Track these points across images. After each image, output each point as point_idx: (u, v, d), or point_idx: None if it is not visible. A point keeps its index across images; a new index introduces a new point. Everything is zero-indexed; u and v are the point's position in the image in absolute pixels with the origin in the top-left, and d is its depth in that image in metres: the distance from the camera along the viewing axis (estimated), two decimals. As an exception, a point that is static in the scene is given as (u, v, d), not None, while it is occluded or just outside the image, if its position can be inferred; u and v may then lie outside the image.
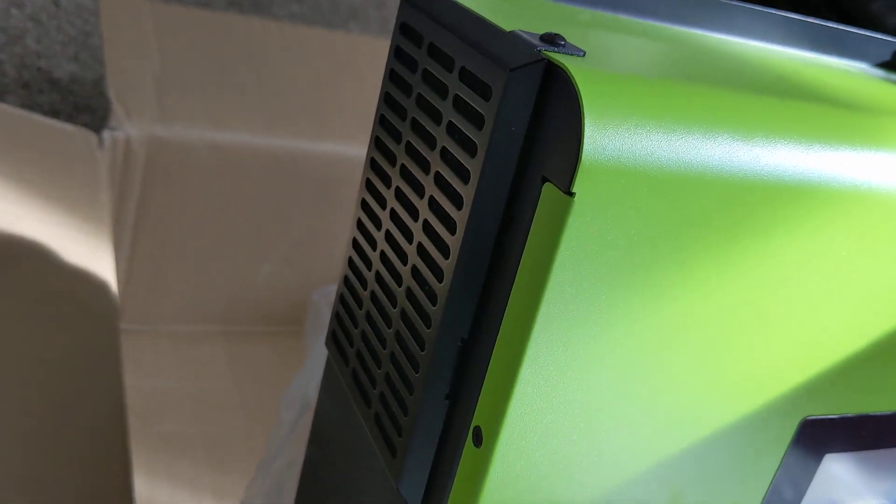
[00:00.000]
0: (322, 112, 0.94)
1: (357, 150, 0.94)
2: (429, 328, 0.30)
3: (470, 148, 0.28)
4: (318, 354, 0.50)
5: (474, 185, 0.27)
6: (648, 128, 0.25)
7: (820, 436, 0.34)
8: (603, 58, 0.27)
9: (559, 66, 0.25)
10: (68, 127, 0.83)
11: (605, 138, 0.24)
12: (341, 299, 0.38)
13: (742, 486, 0.34)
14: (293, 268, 0.97)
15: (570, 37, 0.27)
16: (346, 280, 0.38)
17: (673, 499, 0.32)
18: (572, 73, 0.25)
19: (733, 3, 0.39)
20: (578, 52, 0.26)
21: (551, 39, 0.27)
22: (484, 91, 0.27)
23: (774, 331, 0.30)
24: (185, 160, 0.87)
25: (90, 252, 0.75)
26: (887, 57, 0.44)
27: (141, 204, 0.88)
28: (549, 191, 0.26)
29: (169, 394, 0.91)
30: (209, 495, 0.84)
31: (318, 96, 0.95)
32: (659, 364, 0.29)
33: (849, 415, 0.34)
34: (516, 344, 0.27)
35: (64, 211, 0.76)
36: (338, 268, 0.99)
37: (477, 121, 0.27)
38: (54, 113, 1.01)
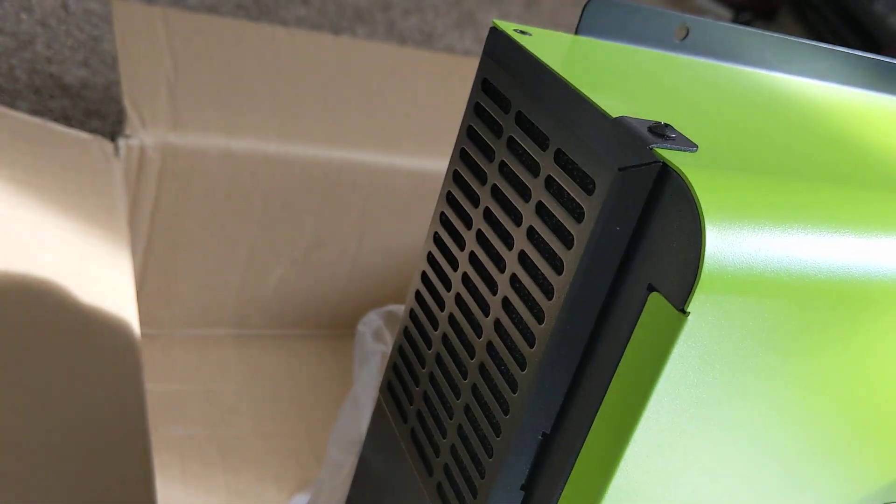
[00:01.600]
0: (331, 117, 0.92)
1: (367, 155, 0.92)
2: (507, 415, 0.28)
3: (566, 238, 0.26)
4: (365, 386, 0.48)
5: (570, 278, 0.25)
6: (768, 232, 0.23)
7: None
8: (715, 150, 0.25)
9: (674, 170, 0.23)
10: (84, 135, 0.81)
11: (724, 251, 0.22)
12: (400, 351, 0.36)
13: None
14: (304, 272, 0.95)
15: (674, 117, 0.25)
16: (405, 332, 0.36)
17: None
18: (689, 179, 0.23)
19: (804, 41, 0.37)
20: (691, 148, 0.24)
21: (661, 132, 0.24)
22: (585, 183, 0.25)
23: (869, 426, 0.28)
24: (198, 167, 0.85)
25: (109, 260, 0.73)
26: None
27: (155, 210, 0.86)
28: (657, 301, 0.24)
29: (182, 397, 0.89)
30: (223, 497, 0.83)
31: (328, 102, 0.93)
32: (751, 475, 0.27)
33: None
34: (611, 450, 0.25)
35: (82, 219, 0.74)
36: (349, 273, 0.97)
37: (577, 213, 0.25)
38: (65, 118, 0.98)
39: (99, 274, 0.71)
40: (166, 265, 0.90)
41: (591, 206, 0.24)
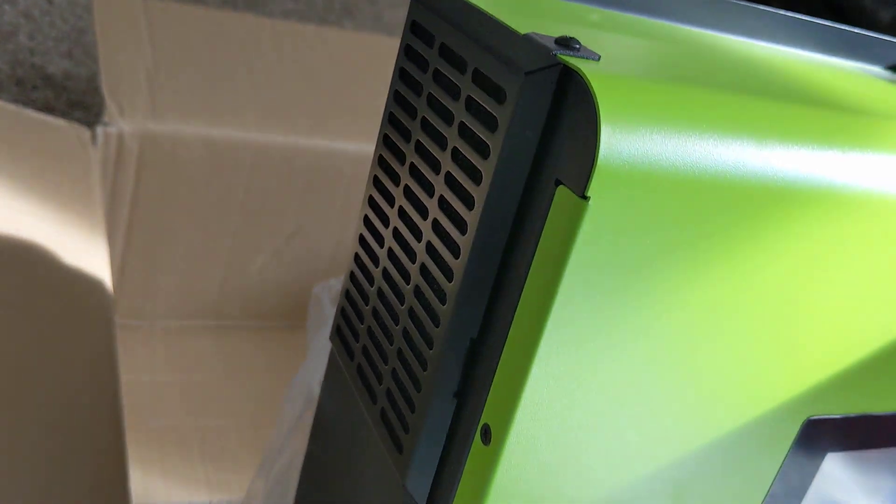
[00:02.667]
0: (314, 107, 0.94)
1: (349, 145, 0.94)
2: (437, 327, 0.30)
3: (482, 150, 0.28)
4: (320, 349, 0.50)
5: (486, 188, 0.27)
6: (663, 131, 0.25)
7: (822, 435, 0.34)
8: (617, 61, 0.27)
9: (575, 71, 0.25)
10: (61, 122, 0.83)
11: (620, 142, 0.24)
12: (347, 295, 0.38)
13: (744, 484, 0.34)
14: (285, 262, 0.97)
15: (584, 39, 0.27)
16: (351, 276, 0.38)
17: (676, 496, 0.33)
18: (588, 78, 0.25)
19: (742, 3, 0.39)
20: (594, 56, 0.26)
21: (566, 43, 0.27)
22: (498, 94, 0.27)
23: (781, 332, 0.30)
24: (177, 155, 0.87)
25: (84, 247, 0.75)
26: None
27: (134, 199, 0.88)
28: (562, 194, 0.26)
29: (161, 388, 0.91)
30: (203, 488, 0.85)
31: (311, 92, 0.95)
32: (667, 365, 0.29)
33: (851, 415, 0.34)
34: (527, 344, 0.27)
35: (57, 206, 0.76)
36: (330, 263, 0.99)
37: (490, 124, 0.27)
38: (48, 109, 1.00)
39: (74, 260, 0.73)
40: (147, 256, 0.91)
41: (502, 113, 0.27)
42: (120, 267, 0.91)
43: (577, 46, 0.27)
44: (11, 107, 0.82)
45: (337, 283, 0.52)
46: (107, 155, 0.84)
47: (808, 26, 0.41)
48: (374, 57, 1.01)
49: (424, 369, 0.31)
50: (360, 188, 0.96)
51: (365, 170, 0.95)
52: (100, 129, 0.83)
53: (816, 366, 0.32)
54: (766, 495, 0.35)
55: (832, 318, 0.31)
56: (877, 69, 0.44)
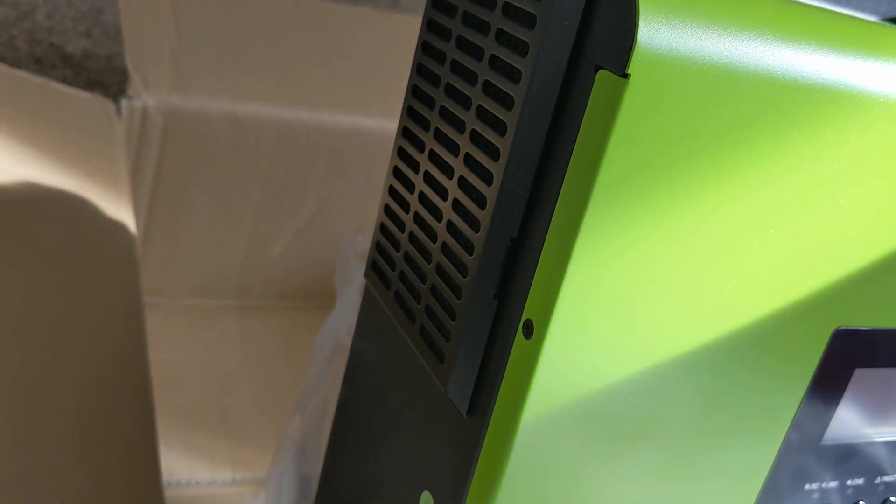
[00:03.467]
0: (337, 84, 0.96)
1: (371, 122, 0.96)
2: (477, 231, 0.31)
3: (521, 50, 0.29)
4: (347, 301, 0.51)
5: (525, 85, 0.29)
6: (701, 22, 0.26)
7: (852, 348, 0.35)
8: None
9: None
10: (85, 95, 0.84)
11: (658, 26, 0.26)
12: (381, 228, 0.40)
13: (774, 398, 0.35)
14: (307, 242, 0.99)
15: None
16: (386, 208, 0.39)
17: (707, 406, 0.34)
18: None
19: None
20: None
21: None
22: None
23: (815, 234, 0.31)
24: (201, 130, 0.88)
25: (111, 219, 0.76)
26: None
27: (157, 174, 0.89)
28: (602, 78, 0.27)
29: (184, 366, 0.92)
30: (226, 465, 0.86)
31: (333, 68, 0.96)
32: (706, 259, 0.30)
33: (881, 328, 0.35)
34: (569, 232, 0.28)
35: (84, 177, 0.77)
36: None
37: (528, 22, 0.29)
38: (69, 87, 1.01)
39: (102, 231, 0.74)
40: (169, 233, 0.93)
41: (540, 8, 0.28)
42: (142, 244, 0.92)
43: None
44: (36, 79, 0.84)
45: (364, 240, 0.53)
46: (131, 129, 0.85)
47: None
48: (395, 36, 1.03)
49: (464, 276, 0.32)
50: (381, 167, 0.97)
51: (386, 148, 0.96)
52: (124, 103, 0.84)
53: (850, 274, 0.33)
54: (797, 411, 0.36)
55: (869, 225, 0.32)
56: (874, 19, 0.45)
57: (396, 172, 0.38)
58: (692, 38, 0.26)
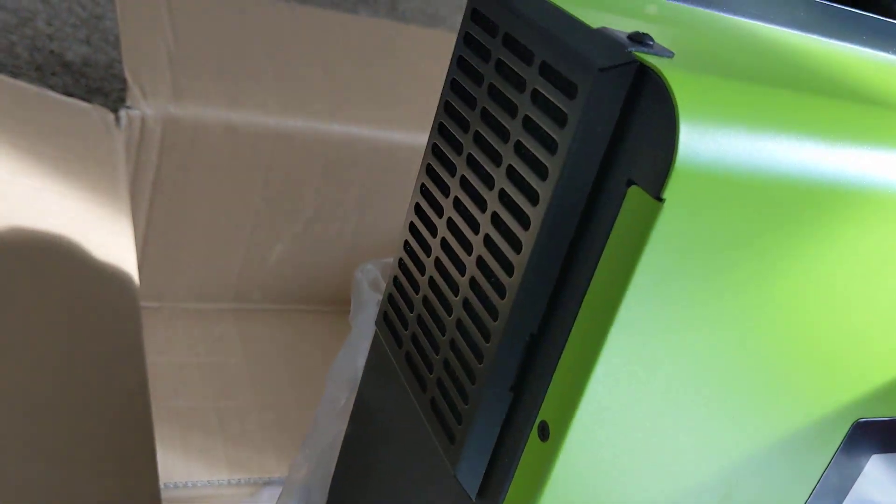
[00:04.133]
0: (333, 92, 0.94)
1: (368, 131, 0.94)
2: (496, 320, 0.30)
3: (550, 145, 0.27)
4: (361, 332, 0.49)
5: (553, 183, 0.27)
6: (743, 132, 0.25)
7: (870, 437, 0.34)
8: (691, 59, 0.26)
9: (651, 68, 0.25)
10: (85, 105, 0.82)
11: (698, 144, 0.24)
12: (395, 282, 0.38)
13: (789, 484, 0.34)
14: (304, 247, 0.97)
15: (655, 35, 0.27)
16: (400, 263, 0.37)
17: (726, 496, 0.32)
18: (666, 76, 0.24)
19: None
20: (667, 54, 0.26)
21: (640, 39, 0.26)
22: (568, 89, 0.27)
23: (842, 334, 0.30)
24: (199, 139, 0.86)
25: (110, 228, 0.75)
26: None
27: (156, 182, 0.87)
28: (635, 194, 0.25)
29: (183, 369, 0.91)
30: (223, 467, 0.85)
31: (330, 77, 0.94)
32: (730, 367, 0.29)
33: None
34: (592, 343, 0.27)
35: (83, 186, 0.75)
36: (349, 248, 0.98)
37: (560, 119, 0.27)
38: (67, 95, 1.00)
39: (101, 241, 0.72)
40: (168, 238, 0.91)
41: (573, 109, 0.26)
42: (142, 248, 0.91)
43: (651, 43, 0.26)
44: (35, 88, 0.81)
45: (374, 268, 0.52)
46: (129, 137, 0.83)
47: (831, 11, 0.41)
48: (392, 44, 1.01)
49: (480, 362, 0.31)
50: (377, 173, 0.96)
51: (382, 156, 0.95)
52: (123, 112, 0.82)
53: (871, 368, 0.32)
54: (810, 495, 0.34)
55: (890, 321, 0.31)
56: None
57: (424, 191, 0.36)
58: (736, 148, 0.25)
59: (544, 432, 0.29)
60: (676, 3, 0.36)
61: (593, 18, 0.28)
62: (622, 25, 0.28)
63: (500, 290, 0.30)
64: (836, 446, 0.33)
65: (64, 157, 0.77)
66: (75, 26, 0.97)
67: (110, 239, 0.73)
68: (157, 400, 0.87)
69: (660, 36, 0.28)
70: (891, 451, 0.35)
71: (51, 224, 0.70)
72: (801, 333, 0.29)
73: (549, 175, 0.27)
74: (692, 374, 0.28)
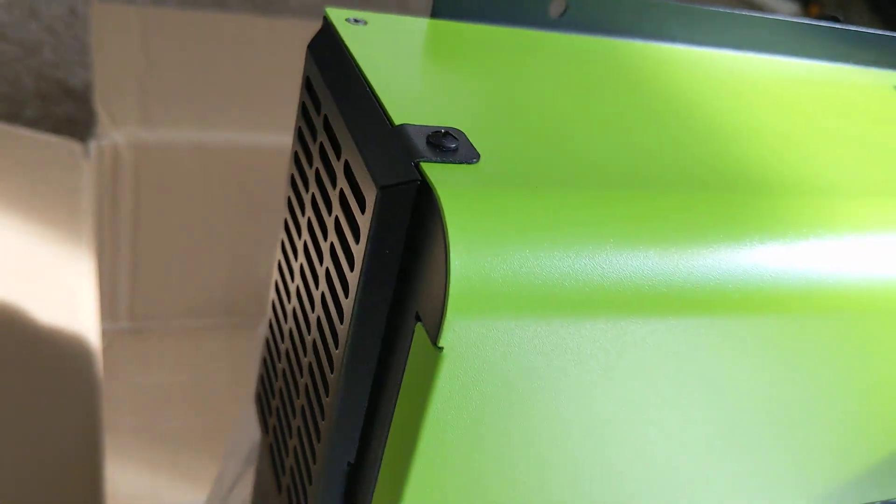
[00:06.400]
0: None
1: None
2: (319, 443, 0.26)
3: (350, 259, 0.23)
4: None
5: (352, 303, 0.23)
6: (527, 258, 0.20)
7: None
8: (503, 160, 0.22)
9: (431, 188, 0.21)
10: (52, 138, 0.80)
11: (475, 280, 0.20)
12: (263, 362, 0.35)
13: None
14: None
15: (485, 116, 0.22)
16: (266, 343, 0.34)
17: None
18: (441, 202, 0.20)
19: (724, 10, 0.33)
20: (471, 160, 0.22)
21: (439, 142, 0.22)
22: (360, 200, 0.23)
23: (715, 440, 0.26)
24: (171, 161, 0.84)
25: (67, 260, 0.72)
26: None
27: (135, 208, 0.85)
28: (420, 334, 0.21)
29: (174, 388, 0.89)
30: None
31: (296, 91, 0.91)
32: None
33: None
34: (397, 480, 0.23)
35: (42, 219, 0.73)
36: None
37: (356, 232, 0.23)
38: (71, 121, 0.99)
39: (57, 275, 0.71)
40: (154, 260, 0.89)
41: (364, 224, 0.22)
42: (130, 273, 0.89)
43: (453, 146, 0.22)
44: (4, 126, 0.80)
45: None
46: (102, 166, 0.81)
47: (814, 31, 0.35)
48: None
49: (318, 441, 0.27)
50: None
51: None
52: (93, 143, 0.80)
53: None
54: None
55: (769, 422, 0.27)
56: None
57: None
58: (526, 275, 0.20)
59: None
60: (571, 35, 0.31)
61: (406, 102, 0.24)
62: (442, 106, 0.24)
63: (321, 409, 0.26)
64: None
65: (27, 191, 0.75)
66: (80, 52, 0.96)
67: (65, 269, 0.71)
68: (148, 421, 0.86)
69: (490, 112, 0.23)
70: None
71: (5, 255, 0.69)
72: (647, 452, 0.25)
73: (349, 292, 0.23)
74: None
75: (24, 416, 0.60)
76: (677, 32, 0.33)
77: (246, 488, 0.44)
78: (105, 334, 0.88)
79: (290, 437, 0.29)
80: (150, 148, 0.82)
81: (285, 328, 0.30)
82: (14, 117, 0.93)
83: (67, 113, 0.97)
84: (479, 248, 0.20)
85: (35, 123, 0.94)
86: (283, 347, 0.31)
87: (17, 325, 0.66)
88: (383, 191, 0.21)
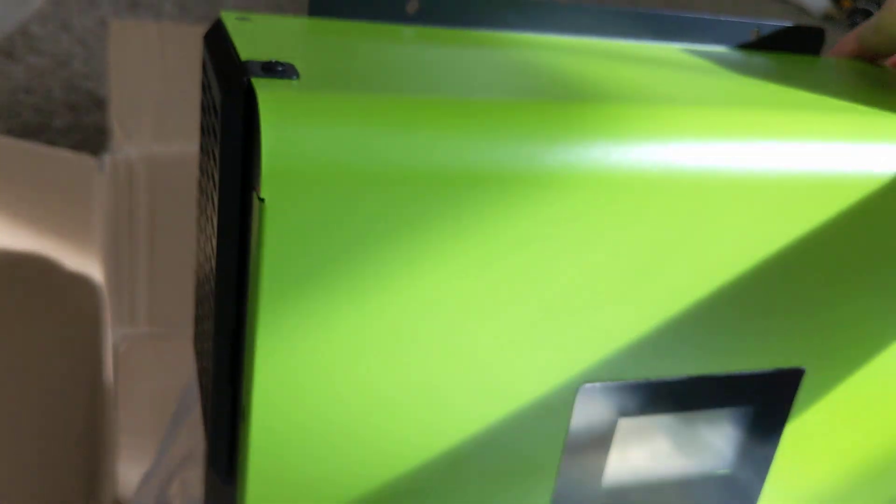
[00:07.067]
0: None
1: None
2: (211, 318, 0.32)
3: (216, 155, 0.30)
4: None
5: (219, 199, 0.29)
6: (324, 137, 0.27)
7: (606, 401, 0.34)
8: (317, 80, 0.28)
9: (255, 89, 0.27)
10: (66, 153, 0.84)
11: (283, 147, 0.26)
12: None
13: (535, 451, 0.34)
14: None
15: (317, 61, 0.29)
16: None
17: (455, 481, 0.34)
18: (258, 93, 0.27)
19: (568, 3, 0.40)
20: (293, 76, 0.28)
21: (271, 68, 0.29)
22: (216, 114, 0.29)
23: (523, 313, 0.31)
24: (185, 175, 0.89)
25: (76, 272, 0.76)
26: (747, 38, 0.44)
27: (150, 218, 0.90)
28: (254, 199, 0.28)
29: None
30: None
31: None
32: (398, 358, 0.30)
33: (627, 381, 0.34)
34: (250, 342, 0.29)
35: (51, 236, 0.78)
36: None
37: (214, 136, 0.29)
38: (100, 131, 1.00)
39: (65, 285, 0.74)
40: (172, 269, 0.94)
41: (218, 127, 0.29)
42: (148, 281, 0.94)
43: (281, 70, 0.28)
44: (14, 142, 0.83)
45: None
46: (117, 180, 0.86)
47: (639, 17, 0.41)
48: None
49: (210, 361, 0.33)
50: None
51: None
52: (106, 157, 0.85)
53: (584, 338, 0.32)
54: (560, 464, 0.35)
55: (573, 297, 0.32)
56: (722, 49, 0.44)
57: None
58: (319, 150, 0.27)
59: (244, 415, 0.31)
60: (423, 28, 0.38)
61: (265, 50, 0.30)
62: (284, 55, 0.30)
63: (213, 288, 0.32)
64: (568, 414, 0.34)
65: (36, 207, 0.78)
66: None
67: (75, 282, 0.75)
68: (164, 423, 0.90)
69: (319, 61, 0.30)
70: (636, 415, 0.35)
71: (17, 268, 0.73)
72: (470, 314, 0.31)
73: (217, 185, 0.30)
74: (362, 371, 0.30)
75: (27, 420, 0.64)
76: (514, 21, 0.40)
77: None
78: (125, 339, 0.93)
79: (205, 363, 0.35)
80: (164, 161, 0.87)
81: (201, 277, 0.36)
82: (44, 127, 0.96)
83: (96, 123, 1.00)
84: (286, 123, 0.27)
85: (64, 133, 0.98)
86: (200, 294, 0.37)
87: (23, 334, 0.69)
88: (224, 95, 0.27)
